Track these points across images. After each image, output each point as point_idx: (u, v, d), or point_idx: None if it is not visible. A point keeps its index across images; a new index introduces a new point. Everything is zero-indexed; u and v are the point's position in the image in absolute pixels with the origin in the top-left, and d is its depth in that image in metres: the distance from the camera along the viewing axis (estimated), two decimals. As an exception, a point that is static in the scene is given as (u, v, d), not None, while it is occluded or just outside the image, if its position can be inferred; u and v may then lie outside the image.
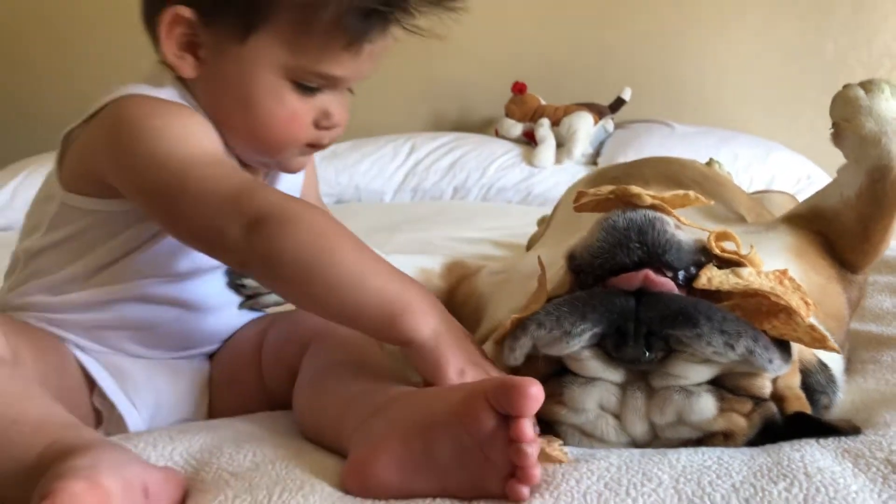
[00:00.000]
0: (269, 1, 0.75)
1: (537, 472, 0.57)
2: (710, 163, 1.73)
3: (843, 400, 0.78)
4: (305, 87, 0.79)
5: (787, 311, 0.65)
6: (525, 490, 0.57)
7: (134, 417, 0.81)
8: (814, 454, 0.60)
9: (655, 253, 0.67)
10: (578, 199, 0.77)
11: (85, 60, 2.92)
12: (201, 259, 0.80)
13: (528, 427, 0.57)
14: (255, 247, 0.69)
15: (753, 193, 1.58)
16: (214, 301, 0.87)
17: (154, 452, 0.68)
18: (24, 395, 0.66)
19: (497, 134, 2.81)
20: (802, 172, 2.48)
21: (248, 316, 0.91)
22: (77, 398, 0.79)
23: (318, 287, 0.69)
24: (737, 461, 0.60)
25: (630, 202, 0.72)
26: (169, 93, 0.79)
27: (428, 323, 0.69)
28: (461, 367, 0.69)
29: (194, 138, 0.76)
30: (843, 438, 0.64)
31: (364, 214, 2.21)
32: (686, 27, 2.90)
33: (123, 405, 0.81)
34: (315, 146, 0.83)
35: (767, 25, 2.87)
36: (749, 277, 0.66)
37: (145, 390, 0.83)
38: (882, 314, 1.07)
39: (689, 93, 2.91)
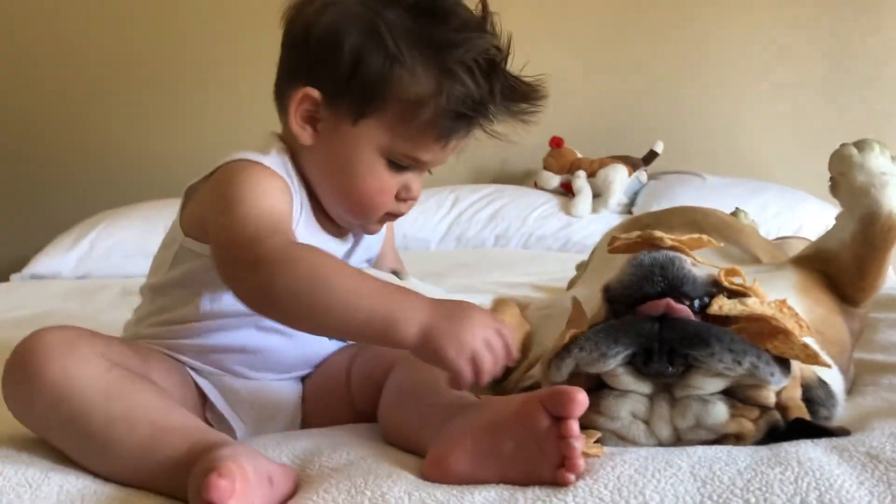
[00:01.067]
0: (382, 96, 0.91)
1: (582, 462, 0.70)
2: (736, 212, 1.86)
3: (842, 415, 0.91)
4: (397, 166, 0.95)
5: (785, 333, 0.79)
6: (571, 476, 0.70)
7: (241, 428, 0.95)
8: (807, 449, 0.73)
9: (675, 285, 0.82)
10: (612, 243, 0.92)
11: (157, 125, 3.12)
12: None
13: (576, 426, 0.71)
14: (257, 285, 0.80)
15: (775, 240, 1.71)
16: None
17: (266, 454, 0.81)
18: (167, 406, 0.82)
19: (536, 186, 2.91)
20: (830, 220, 2.53)
21: (338, 343, 1.05)
22: (195, 412, 0.94)
23: (317, 316, 0.79)
24: (743, 453, 0.73)
25: (654, 244, 0.87)
26: (272, 159, 0.94)
27: (414, 327, 0.77)
28: (469, 352, 0.77)
29: (268, 199, 0.89)
30: (833, 439, 0.77)
31: (412, 261, 2.29)
32: (717, 82, 3.01)
33: (232, 418, 0.95)
34: (394, 215, 0.99)
35: (797, 82, 2.98)
36: (753, 305, 0.80)
37: (249, 406, 0.97)
38: (888, 346, 1.19)
39: (720, 145, 3.00)
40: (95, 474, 0.78)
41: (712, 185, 2.68)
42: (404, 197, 0.98)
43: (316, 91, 0.93)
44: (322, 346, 1.03)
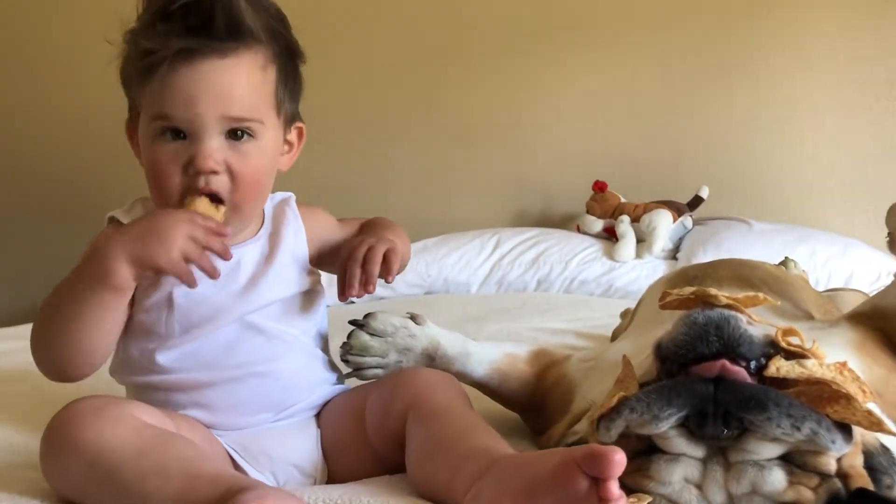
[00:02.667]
0: (129, 85, 0.95)
1: None
2: (785, 261, 1.82)
3: (906, 482, 0.86)
4: (166, 133, 0.92)
5: (847, 398, 0.76)
6: None
7: (262, 480, 0.94)
8: (871, 521, 0.70)
9: (731, 345, 0.79)
10: (663, 298, 0.89)
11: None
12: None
13: (615, 486, 0.69)
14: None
15: (826, 291, 1.67)
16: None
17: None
18: (198, 457, 0.82)
19: (578, 230, 2.89)
20: (882, 268, 2.49)
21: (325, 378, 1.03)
22: (227, 462, 0.94)
23: (57, 336, 0.88)
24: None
25: (708, 302, 0.85)
26: (133, 212, 0.97)
27: (121, 267, 0.85)
28: (177, 254, 0.85)
29: None
30: (899, 509, 0.73)
31: (452, 306, 2.31)
32: (763, 126, 2.97)
33: (251, 472, 0.94)
34: (193, 191, 0.93)
35: (844, 124, 2.93)
36: (812, 367, 0.77)
37: (265, 458, 0.95)
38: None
39: (767, 191, 2.96)
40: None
41: (759, 231, 2.65)
42: (194, 170, 0.92)
43: (128, 119, 0.99)
44: (298, 372, 1.00)
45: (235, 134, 0.92)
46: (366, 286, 0.97)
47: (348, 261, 0.98)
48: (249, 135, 0.93)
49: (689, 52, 3.01)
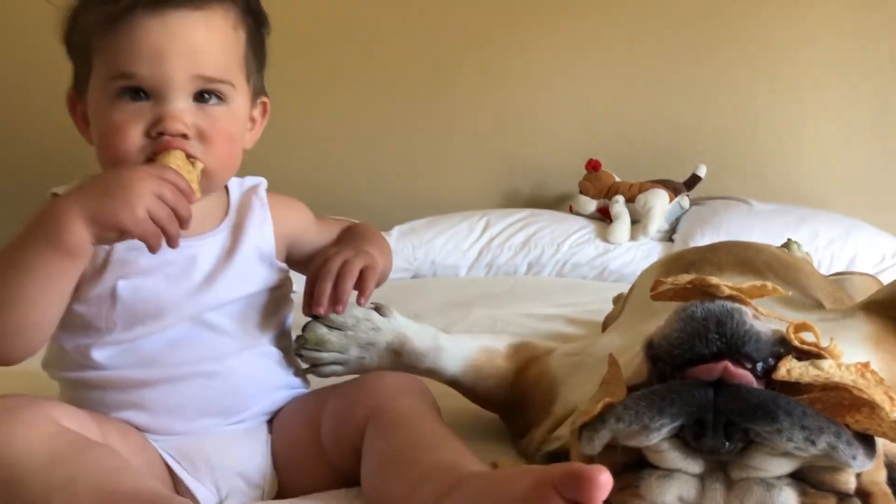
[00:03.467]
0: (78, 46, 0.85)
1: None
2: (787, 243, 1.72)
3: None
4: (125, 94, 0.83)
5: (871, 406, 0.65)
6: None
7: (202, 492, 0.85)
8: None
9: (734, 344, 0.68)
10: (655, 288, 0.78)
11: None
12: None
13: None
14: None
15: (833, 275, 1.56)
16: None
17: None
18: (117, 469, 0.72)
19: (571, 210, 2.83)
20: (887, 250, 2.42)
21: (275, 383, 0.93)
22: (163, 480, 0.83)
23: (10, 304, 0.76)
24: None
25: (708, 292, 0.73)
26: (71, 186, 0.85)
27: (76, 224, 0.74)
28: (142, 212, 0.75)
29: None
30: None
31: (439, 290, 2.25)
32: (762, 103, 2.90)
33: (194, 486, 0.84)
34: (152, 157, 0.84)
35: (847, 101, 2.86)
36: (829, 370, 0.66)
37: (208, 467, 0.86)
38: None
39: (767, 169, 2.89)
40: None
41: (759, 211, 2.58)
42: (158, 132, 0.82)
43: (72, 90, 0.88)
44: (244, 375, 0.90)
45: (202, 96, 0.83)
46: (335, 305, 0.88)
47: (320, 272, 0.89)
48: (219, 97, 0.84)
49: (687, 26, 2.92)
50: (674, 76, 2.94)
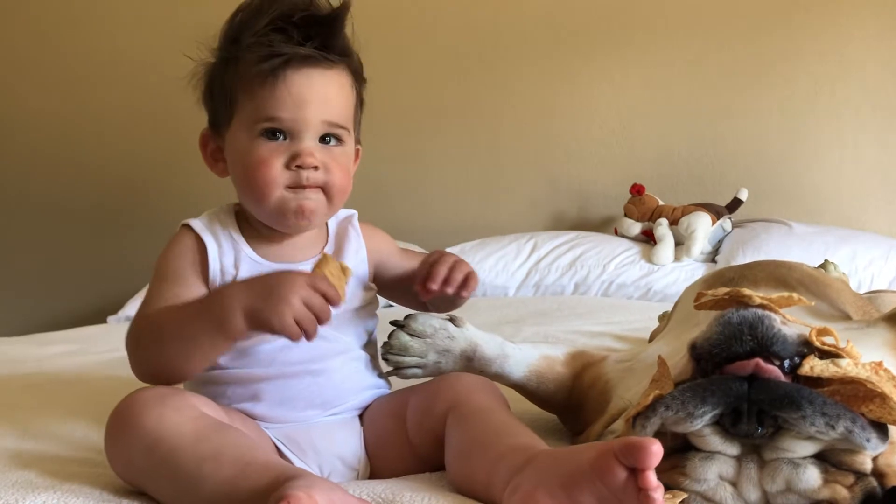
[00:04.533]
0: (228, 87, 1.00)
1: None
2: (824, 264, 1.80)
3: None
4: (270, 134, 0.97)
5: (882, 397, 0.76)
6: None
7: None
8: (906, 519, 0.71)
9: (764, 344, 0.80)
10: (698, 299, 0.91)
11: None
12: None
13: (653, 476, 0.70)
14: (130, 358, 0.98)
15: (867, 293, 1.65)
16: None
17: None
18: (251, 446, 0.86)
19: (616, 233, 2.90)
20: (925, 270, 2.46)
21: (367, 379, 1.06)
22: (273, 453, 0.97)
23: (168, 355, 0.94)
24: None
25: (742, 302, 0.86)
26: (201, 219, 1.03)
27: (238, 318, 0.89)
28: (290, 317, 0.88)
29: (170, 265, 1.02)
30: (935, 509, 0.74)
31: (490, 308, 2.33)
32: (802, 128, 2.95)
33: (298, 463, 0.97)
34: (295, 188, 0.98)
35: (886, 125, 2.91)
36: (847, 367, 0.78)
37: (312, 452, 0.99)
38: None
39: (807, 192, 2.94)
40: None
41: (799, 233, 2.63)
42: (296, 165, 0.97)
43: (207, 128, 1.05)
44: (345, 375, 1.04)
45: (325, 139, 0.99)
46: (445, 286, 1.04)
47: (437, 260, 1.05)
48: (338, 140, 1.00)
49: (727, 54, 3.00)
50: (715, 103, 3.00)
